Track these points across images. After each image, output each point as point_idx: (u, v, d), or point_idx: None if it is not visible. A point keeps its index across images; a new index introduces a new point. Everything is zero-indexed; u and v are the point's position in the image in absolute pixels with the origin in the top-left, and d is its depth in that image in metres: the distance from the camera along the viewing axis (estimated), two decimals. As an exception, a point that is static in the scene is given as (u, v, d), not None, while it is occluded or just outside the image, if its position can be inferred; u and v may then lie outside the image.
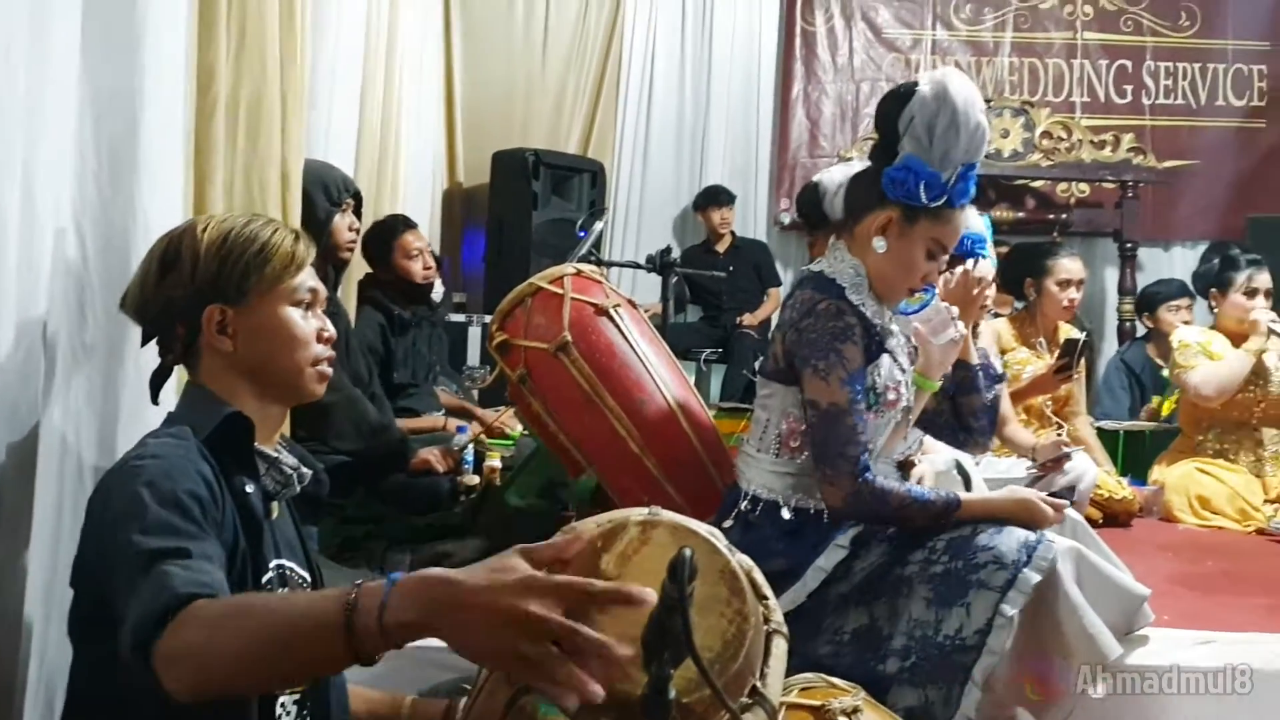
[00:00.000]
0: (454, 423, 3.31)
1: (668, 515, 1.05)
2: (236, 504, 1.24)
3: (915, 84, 1.84)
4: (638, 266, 3.53)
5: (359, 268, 3.46)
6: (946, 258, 1.96)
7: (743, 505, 1.96)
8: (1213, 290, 3.84)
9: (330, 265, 2.84)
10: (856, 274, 1.92)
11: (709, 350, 5.73)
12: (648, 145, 6.40)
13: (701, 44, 6.43)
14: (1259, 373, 3.66)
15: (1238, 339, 3.69)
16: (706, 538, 1.03)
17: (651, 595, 0.87)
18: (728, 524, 1.96)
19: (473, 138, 6.09)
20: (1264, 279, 3.72)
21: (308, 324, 1.38)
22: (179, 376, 1.45)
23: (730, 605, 1.00)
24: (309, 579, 1.41)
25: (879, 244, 1.88)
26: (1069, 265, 3.67)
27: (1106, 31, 6.58)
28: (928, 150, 1.81)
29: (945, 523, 1.82)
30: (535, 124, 6.19)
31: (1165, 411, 4.59)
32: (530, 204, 5.45)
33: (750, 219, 6.42)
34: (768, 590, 1.08)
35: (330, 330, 1.41)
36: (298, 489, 1.38)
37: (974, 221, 3.23)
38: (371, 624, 0.92)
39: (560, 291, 2.35)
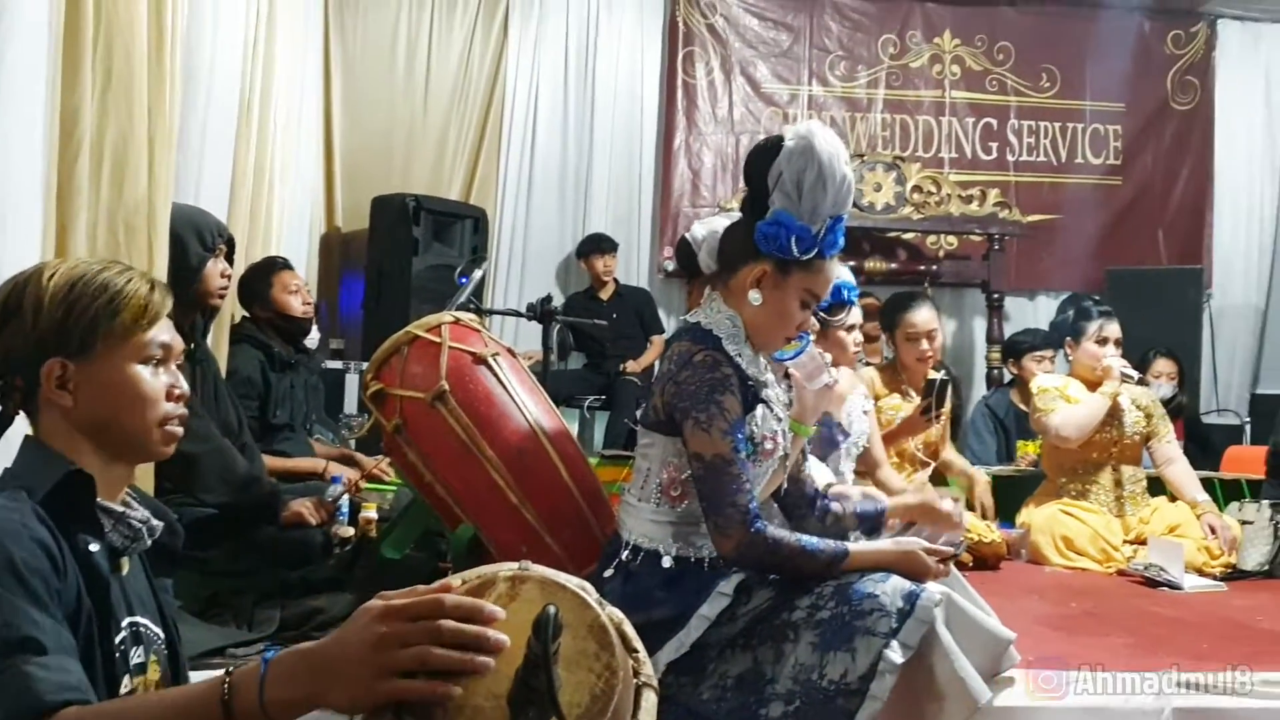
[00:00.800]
0: (334, 467, 3.22)
1: (538, 570, 1.04)
2: (80, 565, 1.17)
3: (781, 138, 1.88)
4: (518, 314, 3.53)
5: (229, 314, 3.37)
6: (816, 305, 2.00)
7: (624, 555, 1.96)
8: (1068, 339, 4.02)
9: (200, 312, 2.75)
10: (733, 325, 1.95)
11: (592, 397, 5.73)
12: (530, 192, 6.42)
13: (584, 93, 6.50)
14: (1114, 414, 3.85)
15: (1092, 385, 3.87)
16: (576, 592, 1.02)
17: (501, 613, 0.91)
18: (609, 574, 1.95)
19: (352, 182, 6.01)
20: (1114, 329, 3.91)
21: (157, 381, 1.29)
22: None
23: (599, 660, 0.98)
24: (163, 635, 1.34)
25: (755, 297, 1.92)
26: (916, 319, 3.74)
27: (973, 91, 6.89)
28: (797, 205, 1.85)
29: (834, 572, 1.85)
30: (416, 169, 6.16)
31: (1031, 453, 4.76)
32: (410, 250, 5.40)
33: (633, 266, 6.48)
34: (638, 643, 1.07)
35: (182, 387, 1.33)
36: (148, 542, 1.30)
37: (843, 270, 3.35)
38: (252, 707, 0.92)
39: (438, 340, 2.33)
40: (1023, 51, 6.89)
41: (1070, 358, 4.03)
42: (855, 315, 3.33)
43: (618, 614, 1.07)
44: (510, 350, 2.46)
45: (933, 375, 3.62)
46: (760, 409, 1.95)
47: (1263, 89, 7.03)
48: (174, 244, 2.51)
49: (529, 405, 2.31)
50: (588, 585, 1.05)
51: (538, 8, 6.45)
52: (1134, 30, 6.96)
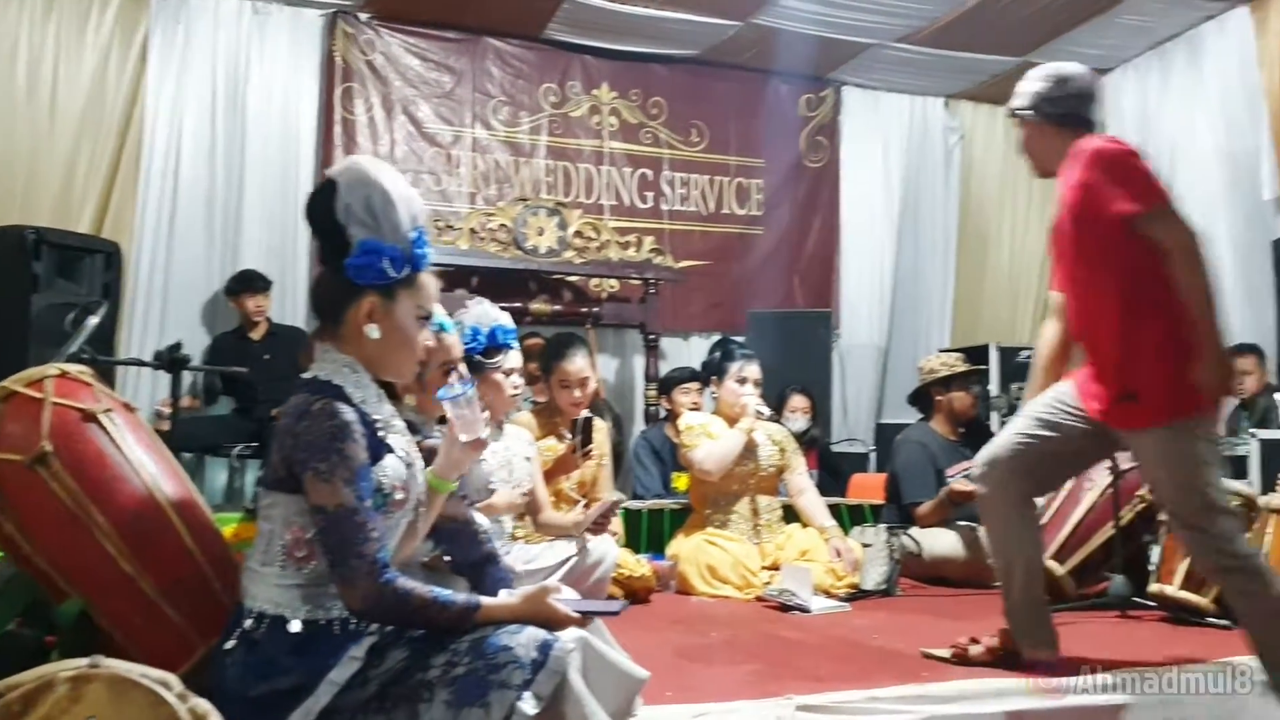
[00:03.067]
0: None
1: (109, 666, 0.96)
2: None
3: (329, 179, 1.89)
4: (142, 364, 3.27)
5: None
6: (431, 320, 2.01)
7: (247, 624, 1.84)
8: (714, 378, 4.30)
9: None
10: (353, 371, 1.91)
11: (242, 445, 5.41)
12: (174, 226, 6.02)
13: (235, 124, 6.20)
14: (751, 449, 4.13)
15: (733, 421, 4.14)
16: (151, 689, 0.95)
17: None
18: (230, 645, 1.83)
19: (-38, 212, 5.38)
20: (753, 370, 4.21)
21: None
22: None
23: (179, 758, 0.92)
24: None
25: (372, 331, 1.89)
26: (569, 367, 3.82)
27: (629, 142, 7.21)
28: (378, 229, 1.86)
29: (467, 624, 1.83)
30: (39, 199, 5.62)
31: (681, 488, 5.00)
32: (29, 287, 4.85)
33: (289, 306, 6.22)
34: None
35: None
36: None
37: (500, 314, 3.39)
38: None
39: (39, 396, 2.10)
40: (674, 107, 7.30)
41: (715, 395, 4.30)
42: (514, 359, 3.36)
43: (203, 705, 1.00)
44: (127, 405, 2.27)
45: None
46: (389, 458, 1.91)
47: (881, 151, 7.82)
48: None
49: (147, 466, 2.13)
50: (171, 678, 0.98)
51: (181, 32, 6.10)
52: (772, 92, 7.57)
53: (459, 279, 6.36)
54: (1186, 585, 3.39)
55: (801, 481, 4.31)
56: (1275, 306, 5.41)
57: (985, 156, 8.05)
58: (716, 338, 6.88)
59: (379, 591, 1.77)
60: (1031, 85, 2.83)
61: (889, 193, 7.80)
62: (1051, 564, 3.73)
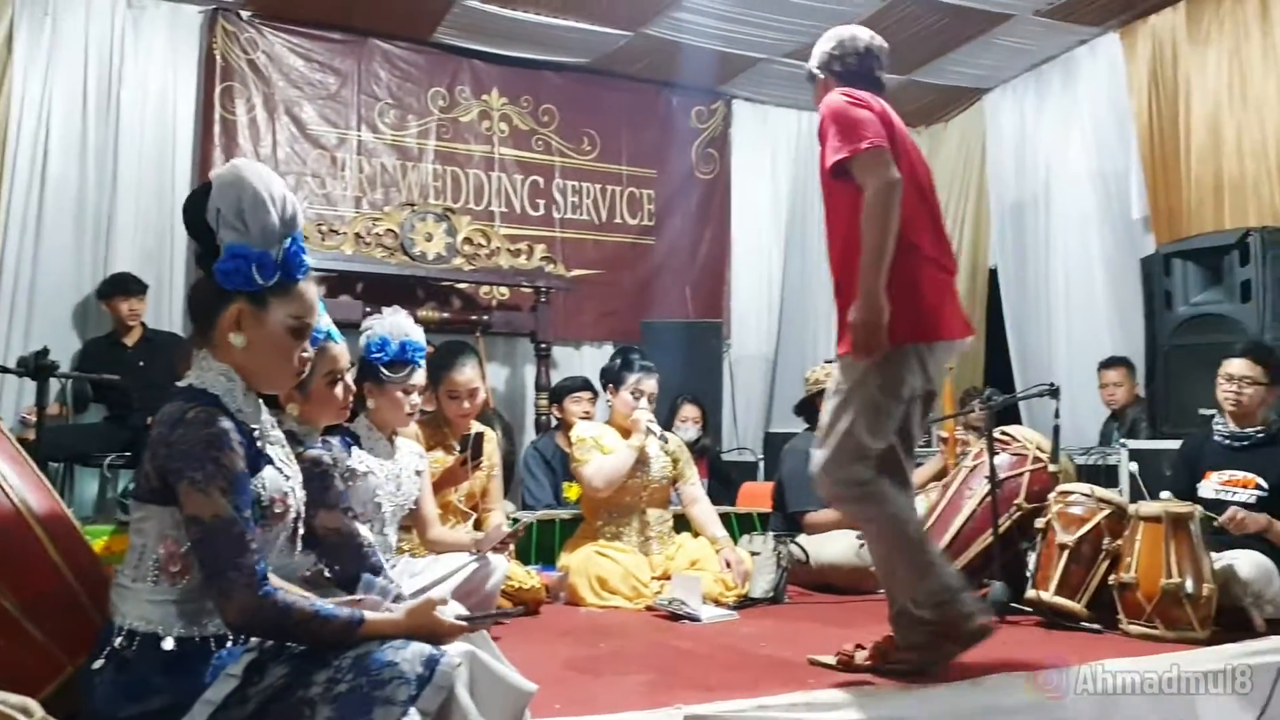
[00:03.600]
0: None
1: (-41, 691, 0.89)
2: None
3: (209, 183, 1.85)
4: (5, 371, 3.10)
5: None
6: (312, 332, 1.94)
7: (117, 642, 1.76)
8: (610, 385, 4.29)
9: None
10: (229, 379, 1.85)
11: (115, 454, 5.17)
12: (41, 227, 5.74)
13: (107, 121, 5.96)
14: (643, 461, 4.13)
15: (625, 432, 4.13)
16: (9, 715, 0.89)
17: None
18: (99, 664, 1.75)
19: None
20: (650, 384, 4.21)
21: None
22: None
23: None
24: None
25: (237, 339, 1.83)
26: (458, 378, 3.75)
27: (520, 149, 7.16)
28: (247, 233, 1.80)
29: (350, 639, 1.78)
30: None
31: (573, 497, 4.98)
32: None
33: (165, 311, 6.00)
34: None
35: None
36: None
37: (414, 329, 3.31)
38: None
39: (-112, 403, 1.98)
40: (566, 115, 7.28)
41: (610, 402, 4.29)
42: (418, 378, 3.28)
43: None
44: (-15, 413, 2.15)
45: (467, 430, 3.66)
46: (268, 469, 1.86)
47: (770, 164, 7.95)
48: None
49: (9, 477, 2.02)
50: (31, 704, 0.93)
51: (49, 24, 5.82)
52: (664, 103, 7.62)
53: (343, 285, 6.24)
54: (1061, 591, 3.51)
55: (694, 491, 4.32)
56: (1144, 321, 5.65)
57: (870, 172, 8.23)
58: (609, 347, 6.89)
59: (258, 605, 1.72)
60: (822, 46, 3.02)
61: (777, 205, 7.92)
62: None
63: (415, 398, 3.26)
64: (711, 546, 4.12)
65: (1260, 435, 3.73)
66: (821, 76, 3.03)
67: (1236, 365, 3.78)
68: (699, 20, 6.44)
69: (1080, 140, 6.88)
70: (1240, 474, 3.71)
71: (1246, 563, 3.39)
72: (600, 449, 4.09)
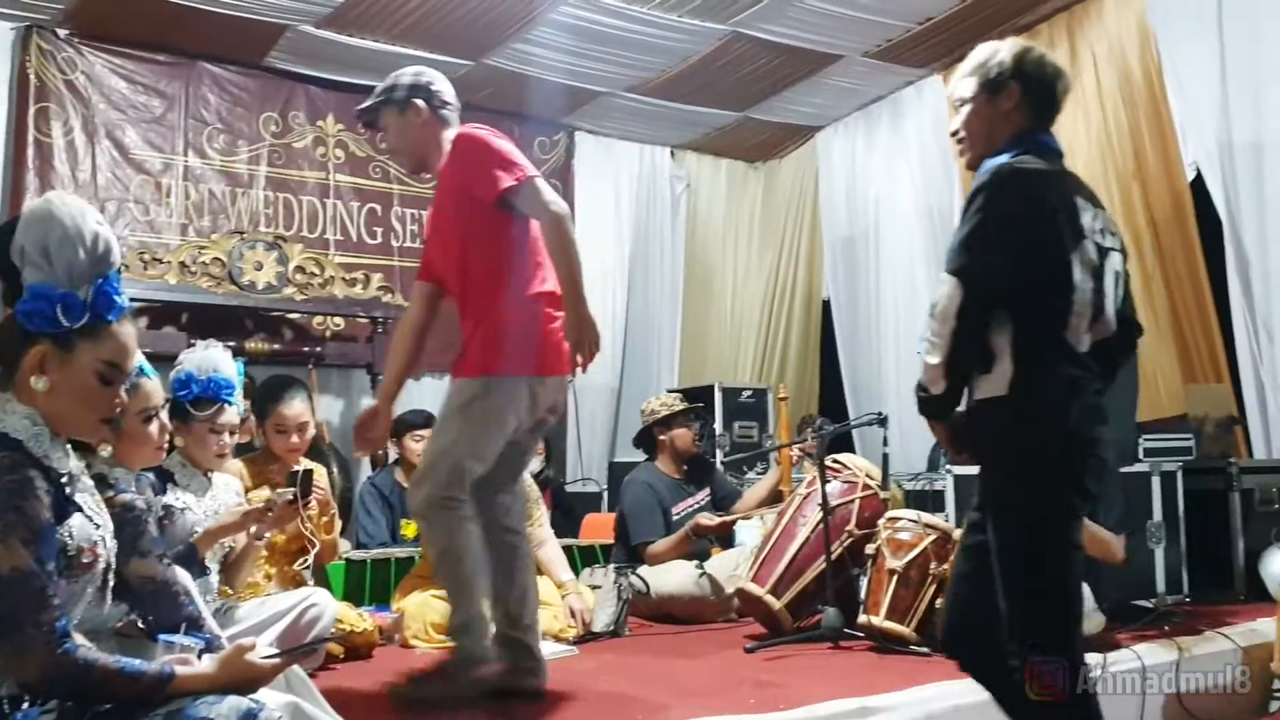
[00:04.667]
0: None
1: None
2: None
3: (18, 217, 1.77)
4: None
5: None
6: (126, 379, 1.84)
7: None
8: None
9: None
10: (34, 424, 1.73)
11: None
12: None
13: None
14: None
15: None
16: None
17: None
18: None
19: None
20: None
21: None
22: None
23: None
24: None
25: (38, 383, 1.73)
26: (287, 412, 3.64)
27: (357, 175, 6.99)
28: (51, 272, 1.72)
29: (158, 696, 1.68)
30: None
31: (410, 535, 4.84)
32: None
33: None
34: None
35: None
36: None
37: (226, 364, 3.16)
38: None
39: None
40: (405, 142, 7.14)
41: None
42: (229, 416, 3.14)
43: None
44: None
45: (295, 466, 3.53)
46: (76, 517, 1.75)
47: (613, 196, 7.96)
48: None
49: None
50: None
51: None
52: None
53: (167, 316, 5.96)
54: (891, 616, 3.60)
55: (541, 534, 4.26)
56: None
57: (709, 205, 8.40)
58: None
59: (57, 663, 1.61)
60: (407, 79, 3.16)
61: (620, 237, 7.94)
62: (769, 598, 3.88)
63: (226, 437, 3.13)
64: (556, 589, 4.08)
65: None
66: (423, 109, 3.12)
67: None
68: (540, 52, 6.44)
69: (908, 177, 7.18)
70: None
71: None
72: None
